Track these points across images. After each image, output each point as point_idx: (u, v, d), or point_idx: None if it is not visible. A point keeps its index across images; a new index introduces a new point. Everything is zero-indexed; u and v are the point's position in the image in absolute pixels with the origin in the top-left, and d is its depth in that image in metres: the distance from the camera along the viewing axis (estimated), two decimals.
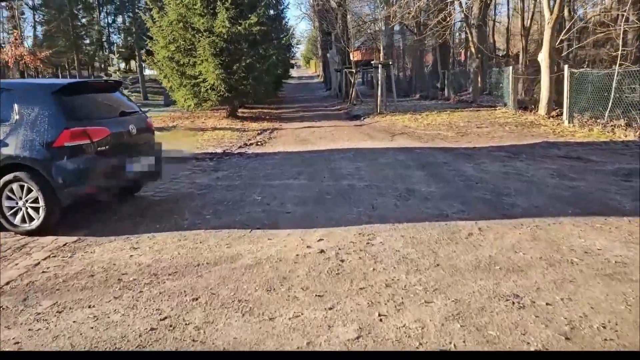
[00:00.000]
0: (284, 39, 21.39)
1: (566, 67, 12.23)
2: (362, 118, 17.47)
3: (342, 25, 27.65)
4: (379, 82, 17.18)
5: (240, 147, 11.88)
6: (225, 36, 17.13)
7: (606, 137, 10.06)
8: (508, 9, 26.45)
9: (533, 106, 15.53)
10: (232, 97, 18.26)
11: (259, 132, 15.33)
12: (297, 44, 36.27)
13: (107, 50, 42.81)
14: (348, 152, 10.07)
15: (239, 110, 22.64)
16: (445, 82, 22.46)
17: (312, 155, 9.88)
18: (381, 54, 17.33)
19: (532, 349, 2.64)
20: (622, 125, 11.00)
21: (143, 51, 22.88)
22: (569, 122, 12.15)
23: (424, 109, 18.61)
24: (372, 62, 17.86)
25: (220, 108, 20.33)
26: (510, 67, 15.53)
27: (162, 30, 17.61)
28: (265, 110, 23.85)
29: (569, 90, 12.13)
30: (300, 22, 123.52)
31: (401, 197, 5.89)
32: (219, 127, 16.79)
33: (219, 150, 11.09)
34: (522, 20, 24.78)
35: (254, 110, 23.63)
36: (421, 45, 30.27)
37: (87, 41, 41.69)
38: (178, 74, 17.98)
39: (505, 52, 31.10)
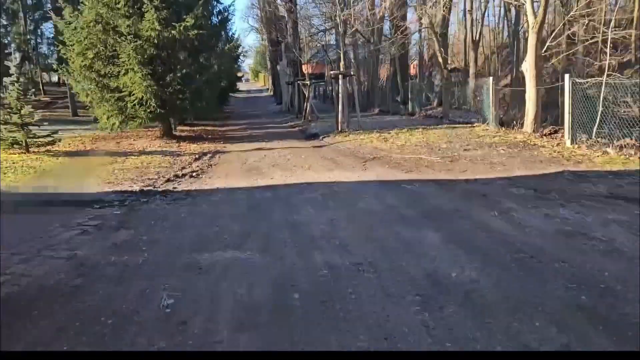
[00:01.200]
0: (228, 47, 18.65)
1: (567, 76, 10.25)
2: (321, 137, 14.97)
3: (293, 34, 25.26)
4: (340, 96, 14.79)
5: (168, 180, 9.01)
6: (156, 41, 14.21)
7: (635, 163, 8.02)
8: (465, 18, 25.09)
9: (514, 123, 13.58)
10: (166, 113, 15.28)
11: (197, 156, 12.47)
12: (244, 55, 33.44)
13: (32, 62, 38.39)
14: (312, 188, 7.48)
15: (177, 128, 19.62)
16: (409, 95, 20.43)
17: (264, 196, 7.21)
18: (341, 62, 14.88)
19: None
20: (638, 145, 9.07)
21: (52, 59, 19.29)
22: (571, 142, 10.13)
23: (390, 126, 16.36)
24: (332, 72, 15.49)
25: (155, 126, 17.26)
26: (491, 79, 13.56)
27: (77, 33, 14.44)
28: (208, 128, 20.90)
29: (570, 104, 10.15)
30: (248, 35, 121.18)
31: (427, 303, 3.31)
32: (149, 150, 13.77)
33: (137, 187, 8.18)
34: (472, 33, 23.42)
35: (195, 128, 20.63)
36: (377, 57, 28.40)
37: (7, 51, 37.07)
38: (98, 87, 14.83)
39: (453, 66, 29.79)
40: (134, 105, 14.42)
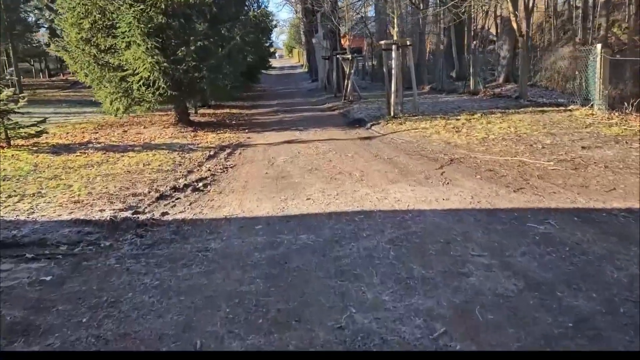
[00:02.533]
0: (254, 13, 15.68)
1: None
2: (368, 125, 11.94)
3: (331, 1, 21.99)
4: (394, 72, 11.66)
5: (161, 196, 6.29)
6: (164, 6, 11.42)
7: None
8: None
9: (626, 105, 10.15)
10: (178, 96, 12.55)
11: (213, 152, 9.72)
12: (276, 25, 30.36)
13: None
14: (374, 226, 4.59)
15: (198, 111, 16.96)
16: (471, 70, 16.99)
17: (297, 242, 4.36)
18: (395, 29, 11.67)
19: None
20: None
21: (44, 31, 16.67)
22: None
23: (453, 110, 13.15)
24: (383, 42, 12.32)
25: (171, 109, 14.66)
26: (599, 46, 10.11)
27: None
28: (233, 111, 18.14)
29: None
30: (282, 9, 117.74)
31: None
32: (156, 142, 11.14)
33: (110, 212, 5.49)
34: None
35: (218, 112, 17.91)
36: (423, 27, 24.87)
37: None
38: (98, 65, 12.22)
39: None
40: (140, 86, 11.75)
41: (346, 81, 17.96)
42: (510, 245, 3.93)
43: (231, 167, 8.20)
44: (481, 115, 11.25)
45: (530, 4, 16.56)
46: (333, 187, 6.21)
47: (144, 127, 13.82)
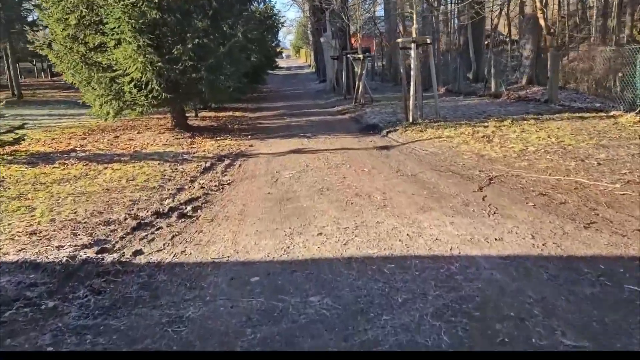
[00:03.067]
0: (257, 8, 14.53)
1: None
2: (384, 131, 10.72)
3: None
4: (413, 73, 10.43)
5: (139, 224, 5.12)
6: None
7: None
8: None
9: None
10: (174, 99, 11.40)
11: (209, 163, 8.55)
12: (282, 25, 29.20)
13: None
14: (413, 286, 3.39)
15: (199, 114, 15.83)
16: (492, 70, 15.71)
17: (309, 308, 3.16)
18: (414, 26, 10.41)
19: None
20: None
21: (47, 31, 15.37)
22: None
23: (476, 114, 11.91)
24: (400, 40, 11.07)
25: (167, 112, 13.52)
26: None
27: None
28: (236, 114, 16.98)
29: None
30: (289, 9, 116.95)
31: None
32: (147, 150, 10.00)
33: (68, 251, 4.32)
34: None
35: (220, 115, 16.75)
36: (436, 26, 23.70)
37: None
38: (86, 64, 11.10)
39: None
40: (131, 88, 10.61)
41: (357, 82, 16.75)
42: (615, 326, 2.71)
43: (228, 184, 7.02)
44: (512, 121, 9.99)
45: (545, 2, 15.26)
46: (350, 216, 5.01)
47: (138, 132, 12.69)
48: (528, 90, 15.09)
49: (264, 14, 19.56)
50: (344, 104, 17.98)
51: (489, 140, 8.51)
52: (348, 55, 18.31)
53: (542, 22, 13.17)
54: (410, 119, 10.73)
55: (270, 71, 33.04)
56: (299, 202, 5.75)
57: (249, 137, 11.74)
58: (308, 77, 40.11)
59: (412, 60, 10.43)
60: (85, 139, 11.80)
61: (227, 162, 8.74)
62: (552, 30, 13.05)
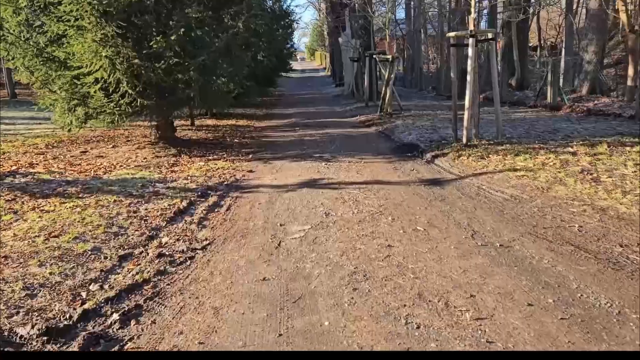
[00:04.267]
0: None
1: None
2: (426, 155, 8.05)
3: None
4: (468, 78, 7.72)
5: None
6: None
7: None
8: None
9: None
10: (156, 107, 8.84)
11: (185, 204, 5.93)
12: (297, 22, 26.59)
13: None
14: None
15: (194, 124, 13.31)
16: (550, 77, 12.90)
17: None
18: (472, 16, 7.69)
19: None
20: None
21: None
22: None
23: (547, 133, 9.17)
24: (453, 34, 8.35)
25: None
26: None
27: None
28: (239, 123, 14.40)
29: None
30: (305, 10, 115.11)
31: None
32: (111, 176, 7.45)
33: None
34: None
35: (221, 123, 14.19)
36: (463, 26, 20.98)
37: None
38: (40, 58, 8.61)
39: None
40: (95, 92, 8.08)
41: (384, 88, 14.07)
42: None
43: (203, 249, 4.41)
44: (609, 147, 7.23)
45: None
46: None
47: (113, 146, 10.17)
48: (597, 102, 12.28)
49: (276, 9, 17.12)
50: (366, 112, 15.31)
51: (593, 178, 5.77)
52: (374, 56, 15.61)
53: (623, 16, 10.37)
54: (464, 139, 8.02)
55: (283, 74, 30.58)
56: (316, 310, 3.12)
57: (251, 156, 9.13)
58: (324, 81, 37.52)
59: (469, 61, 7.73)
60: (44, 154, 9.31)
61: (212, 199, 6.13)
62: (636, 28, 10.25)
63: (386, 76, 13.76)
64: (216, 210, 5.67)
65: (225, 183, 7.01)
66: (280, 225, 4.95)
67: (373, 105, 16.81)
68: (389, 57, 13.42)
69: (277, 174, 7.44)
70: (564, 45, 17.01)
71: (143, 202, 5.99)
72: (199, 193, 6.42)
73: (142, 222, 5.20)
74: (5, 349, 2.78)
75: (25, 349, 2.81)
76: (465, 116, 7.87)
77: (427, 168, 7.37)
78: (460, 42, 8.33)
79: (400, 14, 32.72)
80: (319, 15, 49.26)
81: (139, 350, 2.73)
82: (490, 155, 7.25)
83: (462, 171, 6.85)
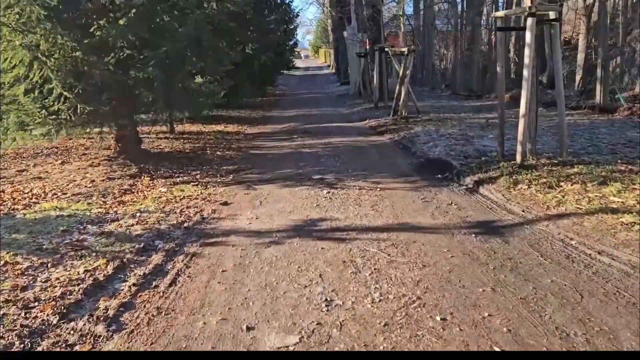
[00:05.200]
0: None
1: None
2: (465, 179, 5.89)
3: None
4: (526, 73, 5.58)
5: None
6: None
7: None
8: None
9: None
10: (105, 114, 6.74)
11: (104, 276, 3.81)
12: (297, 15, 24.45)
13: None
14: None
15: (174, 131, 11.24)
16: (601, 73, 10.69)
17: None
18: None
19: None
20: None
21: None
22: None
23: (622, 146, 7.00)
24: (501, 12, 6.17)
25: (146, 121, 8.84)
26: None
27: None
28: (229, 129, 12.30)
29: None
30: (308, 8, 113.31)
31: None
32: (29, 214, 5.36)
33: None
34: None
35: (206, 129, 12.09)
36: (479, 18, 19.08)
37: None
38: None
39: None
40: (19, 94, 5.99)
41: (398, 87, 11.93)
42: None
43: None
44: None
45: None
46: None
47: (63, 162, 8.10)
48: None
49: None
50: (376, 115, 13.20)
51: None
52: (385, 50, 13.45)
53: None
54: (518, 157, 5.87)
55: (285, 72, 28.51)
56: None
57: (231, 177, 7.01)
58: (328, 79, 35.40)
59: (526, 50, 5.58)
60: None
61: (156, 259, 4.02)
62: None
63: (400, 72, 11.61)
64: (154, 285, 3.56)
65: (185, 225, 4.90)
66: (248, 330, 2.83)
67: (384, 106, 14.70)
68: (405, 49, 11.26)
69: (260, 209, 5.32)
70: (600, 38, 14.75)
71: (50, 264, 3.92)
72: (141, 245, 4.32)
73: (20, 314, 3.10)
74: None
75: None
76: (521, 126, 5.72)
77: (471, 201, 5.22)
78: (515, 26, 6.15)
79: (408, 9, 30.54)
80: (323, 10, 47.07)
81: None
82: (561, 183, 5.09)
83: (526, 209, 4.70)
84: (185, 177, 6.96)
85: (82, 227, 4.82)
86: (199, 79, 6.92)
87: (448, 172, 6.33)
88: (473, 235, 4.18)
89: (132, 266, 3.90)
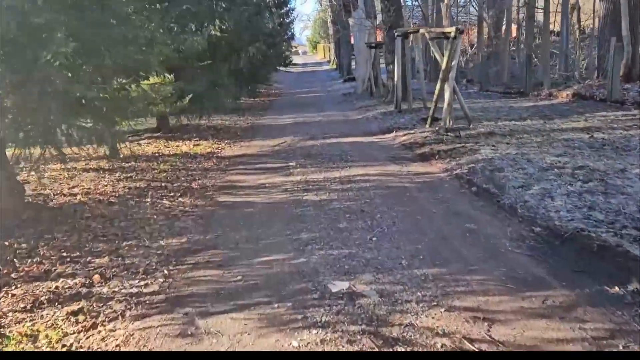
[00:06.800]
0: None
1: None
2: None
3: None
4: None
5: None
6: None
7: None
8: None
9: None
10: None
11: None
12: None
13: None
14: None
15: (131, 149, 7.49)
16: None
17: None
18: None
19: None
20: None
21: None
22: None
23: None
24: None
25: (139, 132, 5.19)
26: None
27: None
28: (199, 148, 8.62)
29: None
30: (304, 2, 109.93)
31: None
32: None
33: None
34: None
35: (171, 146, 8.43)
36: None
37: None
38: None
39: None
40: None
41: (439, 84, 8.27)
42: None
43: None
44: None
45: None
46: None
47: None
48: None
49: None
50: (403, 122, 9.62)
51: None
52: (416, 35, 9.75)
53: None
54: None
55: (283, 68, 24.89)
56: None
57: (173, 261, 3.36)
58: (329, 75, 31.75)
59: None
60: None
61: None
62: None
63: (443, 64, 7.95)
64: None
65: None
66: None
67: (408, 109, 11.10)
68: (450, 30, 7.60)
69: None
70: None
71: None
72: None
73: None
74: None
75: None
76: None
77: None
78: None
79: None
80: (321, 3, 43.22)
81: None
82: None
83: None
84: (96, 252, 3.32)
85: None
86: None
87: (625, 277, 2.71)
88: None
89: None
